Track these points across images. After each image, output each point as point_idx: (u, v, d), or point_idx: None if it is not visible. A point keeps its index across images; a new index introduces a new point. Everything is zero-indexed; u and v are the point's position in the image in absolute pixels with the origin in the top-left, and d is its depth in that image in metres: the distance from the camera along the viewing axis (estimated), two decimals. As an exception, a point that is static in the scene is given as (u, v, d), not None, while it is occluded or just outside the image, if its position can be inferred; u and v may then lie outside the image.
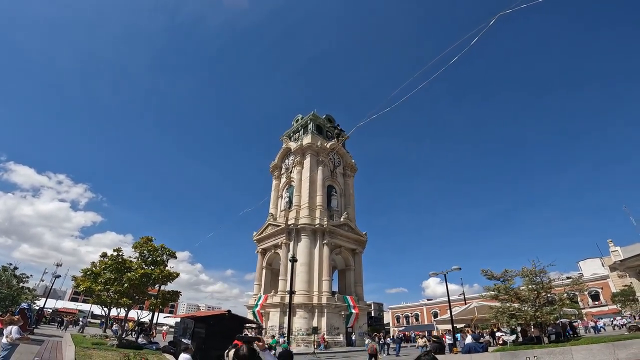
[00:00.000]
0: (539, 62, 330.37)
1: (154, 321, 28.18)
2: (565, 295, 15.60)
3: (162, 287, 23.19)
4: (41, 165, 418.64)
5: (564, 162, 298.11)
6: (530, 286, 14.66)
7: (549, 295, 14.83)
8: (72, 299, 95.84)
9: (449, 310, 24.72)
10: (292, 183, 51.28)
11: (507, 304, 15.08)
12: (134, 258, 21.04)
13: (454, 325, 24.85)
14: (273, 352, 14.77)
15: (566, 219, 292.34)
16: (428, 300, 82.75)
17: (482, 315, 27.09)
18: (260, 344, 3.94)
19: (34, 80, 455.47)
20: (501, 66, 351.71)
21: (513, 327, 16.43)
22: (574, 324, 24.77)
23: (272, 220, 48.72)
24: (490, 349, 14.95)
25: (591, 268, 61.35)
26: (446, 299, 76.01)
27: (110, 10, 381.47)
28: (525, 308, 14.22)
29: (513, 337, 17.32)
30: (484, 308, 26.92)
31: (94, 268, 21.32)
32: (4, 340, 9.30)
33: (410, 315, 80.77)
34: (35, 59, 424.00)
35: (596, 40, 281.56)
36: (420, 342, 27.66)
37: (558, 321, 17.44)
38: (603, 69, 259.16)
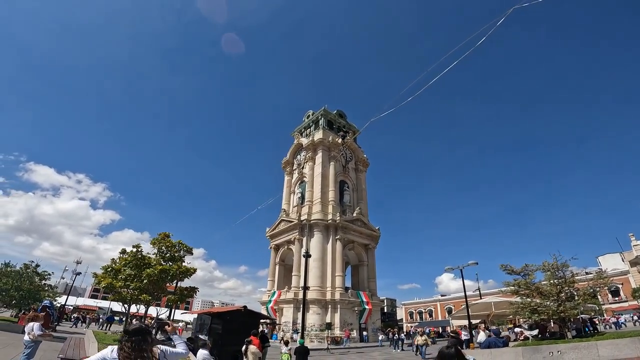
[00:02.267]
0: (552, 56, 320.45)
1: (171, 318, 28.66)
2: (591, 290, 15.11)
3: (179, 284, 23.45)
4: (61, 165, 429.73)
5: (579, 158, 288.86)
6: (552, 281, 14.25)
7: (571, 290, 14.39)
8: (92, 296, 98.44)
9: (465, 306, 24.28)
10: (304, 179, 51.32)
11: (529, 299, 14.69)
12: (153, 254, 21.23)
13: (471, 320, 24.42)
14: (289, 348, 14.79)
15: (582, 214, 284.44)
16: (442, 296, 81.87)
17: (499, 310, 26.57)
18: (170, 328, 4.04)
19: (50, 82, 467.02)
20: (514, 62, 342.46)
21: (534, 321, 16.02)
22: (594, 319, 24.02)
23: (284, 216, 48.85)
24: (510, 344, 14.63)
25: (611, 263, 59.65)
26: (460, 294, 75.08)
27: (120, 12, 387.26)
28: (548, 303, 13.83)
29: (535, 332, 16.91)
30: (501, 303, 26.42)
31: (114, 265, 21.55)
32: (26, 337, 9.39)
33: (423, 311, 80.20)
34: (51, 62, 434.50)
35: (613, 33, 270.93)
36: (420, 339, 21.46)
37: (578, 317, 16.98)
38: (618, 63, 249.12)
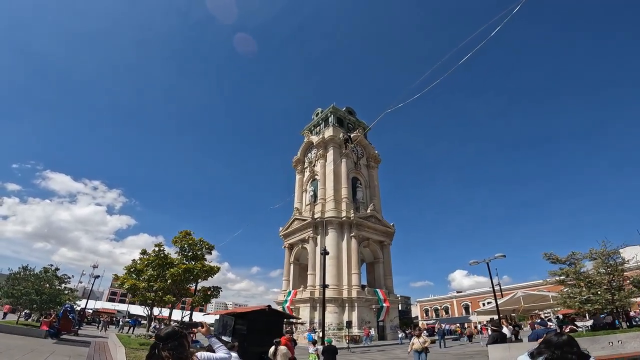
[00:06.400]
0: (563, 49, 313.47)
1: (193, 320, 28.23)
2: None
3: (202, 283, 22.80)
4: (77, 172, 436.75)
5: (589, 154, 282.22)
6: (601, 269, 13.39)
7: (621, 278, 13.51)
8: (109, 300, 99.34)
9: (494, 300, 23.46)
10: (316, 177, 50.70)
11: (577, 289, 13.83)
12: (175, 253, 20.72)
13: (500, 315, 23.56)
14: (316, 348, 14.24)
15: (599, 206, 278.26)
16: (457, 292, 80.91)
17: (529, 305, 25.68)
18: (204, 329, 3.41)
19: (63, 91, 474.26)
20: (524, 57, 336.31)
21: (576, 314, 15.16)
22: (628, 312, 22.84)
23: (297, 214, 48.23)
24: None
25: (632, 256, 57.88)
26: (476, 290, 73.59)
27: (127, 16, 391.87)
28: (600, 292, 12.97)
29: (589, 322, 16.05)
30: (529, 297, 25.50)
31: (136, 265, 21.03)
32: None
33: (439, 308, 79.25)
34: (63, 70, 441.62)
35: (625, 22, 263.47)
36: (417, 342, 12.54)
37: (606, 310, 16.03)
38: (625, 53, 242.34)
